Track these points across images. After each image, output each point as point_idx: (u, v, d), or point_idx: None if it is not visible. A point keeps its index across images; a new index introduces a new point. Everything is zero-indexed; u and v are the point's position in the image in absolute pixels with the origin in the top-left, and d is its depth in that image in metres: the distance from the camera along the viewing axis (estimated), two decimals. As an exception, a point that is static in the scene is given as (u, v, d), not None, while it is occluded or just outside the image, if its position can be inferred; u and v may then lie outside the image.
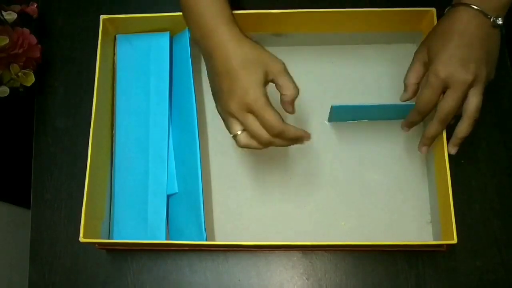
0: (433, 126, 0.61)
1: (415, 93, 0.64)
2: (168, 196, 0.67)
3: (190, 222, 0.64)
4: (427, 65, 0.61)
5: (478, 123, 0.70)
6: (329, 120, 0.70)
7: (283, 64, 0.58)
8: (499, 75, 0.72)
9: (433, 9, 0.66)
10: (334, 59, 0.73)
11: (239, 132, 0.57)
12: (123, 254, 0.67)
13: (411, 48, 0.72)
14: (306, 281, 0.66)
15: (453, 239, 0.58)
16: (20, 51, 0.69)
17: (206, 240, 0.62)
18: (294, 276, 0.66)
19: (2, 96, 0.69)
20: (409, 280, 0.65)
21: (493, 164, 0.68)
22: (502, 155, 0.69)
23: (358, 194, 0.68)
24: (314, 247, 0.65)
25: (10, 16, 0.70)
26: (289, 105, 0.59)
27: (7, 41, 0.67)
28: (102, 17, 0.68)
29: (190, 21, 0.60)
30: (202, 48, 0.59)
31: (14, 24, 0.70)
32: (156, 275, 0.67)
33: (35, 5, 0.75)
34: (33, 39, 0.71)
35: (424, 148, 0.64)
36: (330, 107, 0.67)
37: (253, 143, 0.57)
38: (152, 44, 0.70)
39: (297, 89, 0.58)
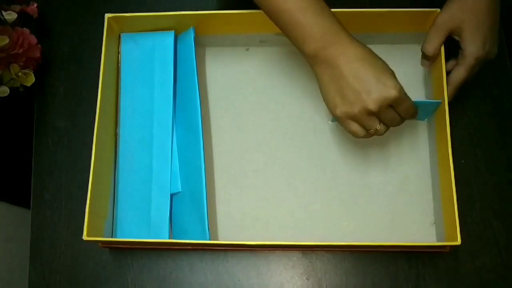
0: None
1: (435, 59, 0.66)
2: (172, 195, 0.67)
3: (194, 221, 0.64)
4: (451, 35, 0.63)
5: (478, 123, 0.70)
6: (333, 120, 0.70)
7: None
8: (499, 75, 0.72)
9: (438, 10, 0.65)
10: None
11: (378, 127, 0.58)
12: (124, 254, 0.67)
13: (416, 49, 0.72)
14: (306, 281, 0.66)
15: (457, 240, 0.58)
16: (20, 51, 0.69)
17: (210, 240, 0.62)
18: (294, 276, 0.66)
19: (2, 96, 0.69)
20: (409, 280, 0.65)
21: (493, 164, 0.68)
22: (502, 155, 0.69)
23: (361, 195, 0.68)
24: (314, 247, 0.65)
25: (10, 16, 0.70)
26: None
27: (7, 41, 0.67)
28: (107, 15, 0.68)
29: (299, 36, 0.57)
30: (320, 59, 0.57)
31: (14, 24, 0.70)
32: (156, 275, 0.67)
33: (35, 5, 0.75)
34: (33, 39, 0.71)
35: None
36: None
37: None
38: (156, 43, 0.71)
39: None
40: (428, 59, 0.66)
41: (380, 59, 0.57)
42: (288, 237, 0.66)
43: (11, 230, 0.88)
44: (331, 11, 0.57)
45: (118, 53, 0.72)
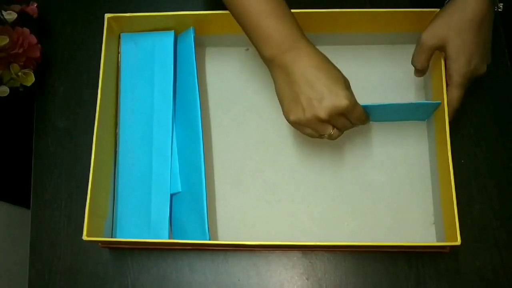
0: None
1: (425, 71, 0.67)
2: (172, 195, 0.67)
3: (194, 222, 0.64)
4: (438, 50, 0.64)
5: (478, 123, 0.70)
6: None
7: None
8: (499, 75, 0.72)
9: (438, 10, 0.66)
10: (338, 59, 0.72)
11: (332, 132, 0.59)
12: (123, 254, 0.67)
13: (415, 49, 0.72)
14: (306, 281, 0.66)
15: (457, 240, 0.58)
16: (20, 51, 0.69)
17: (209, 240, 0.62)
18: (294, 276, 0.66)
19: (2, 96, 0.69)
20: (409, 280, 0.65)
21: (493, 164, 0.68)
22: (502, 155, 0.69)
23: (362, 195, 0.68)
24: (314, 247, 0.65)
25: (10, 16, 0.70)
26: None
27: (7, 41, 0.67)
28: (107, 15, 0.68)
29: (260, 39, 0.59)
30: (276, 64, 0.58)
31: (14, 24, 0.70)
32: (156, 275, 0.67)
33: (35, 5, 0.75)
34: (33, 39, 0.71)
35: None
36: None
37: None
38: (156, 43, 0.71)
39: None
40: (418, 71, 0.67)
41: (335, 68, 0.58)
42: (288, 237, 0.66)
43: (11, 230, 0.88)
44: (293, 16, 0.59)
45: (118, 53, 0.72)
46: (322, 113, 0.56)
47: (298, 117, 0.58)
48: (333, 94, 0.56)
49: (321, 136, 0.60)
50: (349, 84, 0.59)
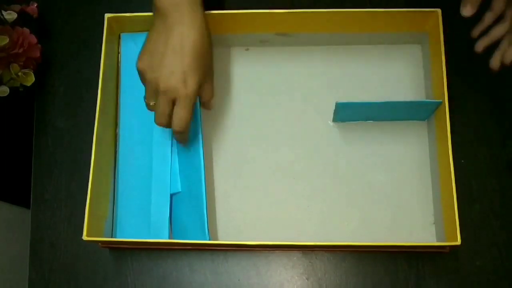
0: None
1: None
2: (171, 195, 0.67)
3: (193, 222, 0.64)
4: None
5: (478, 123, 0.70)
6: (334, 119, 0.70)
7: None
8: (499, 75, 0.72)
9: (438, 10, 0.65)
10: (338, 59, 0.73)
11: (151, 104, 0.59)
12: (123, 254, 0.67)
13: (416, 49, 0.72)
14: (306, 281, 0.66)
15: (457, 240, 0.58)
16: (20, 50, 0.69)
17: (209, 240, 0.62)
18: (294, 276, 0.66)
19: (2, 95, 0.69)
20: (409, 280, 0.65)
21: (493, 164, 0.68)
22: (502, 155, 0.69)
23: (362, 195, 0.68)
24: (314, 247, 0.65)
25: (10, 15, 0.70)
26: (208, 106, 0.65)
27: (7, 40, 0.67)
28: (107, 15, 0.68)
29: None
30: (160, 14, 0.57)
31: (14, 23, 0.70)
32: (156, 274, 0.67)
33: (35, 5, 0.75)
34: (33, 39, 0.71)
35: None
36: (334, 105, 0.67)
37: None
38: None
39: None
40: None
41: (208, 56, 0.58)
42: (288, 237, 0.66)
43: (11, 230, 0.88)
44: None
45: (118, 53, 0.72)
46: (161, 84, 0.56)
47: (143, 68, 0.57)
48: (182, 77, 0.55)
49: (144, 99, 0.59)
50: (210, 79, 0.58)
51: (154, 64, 0.57)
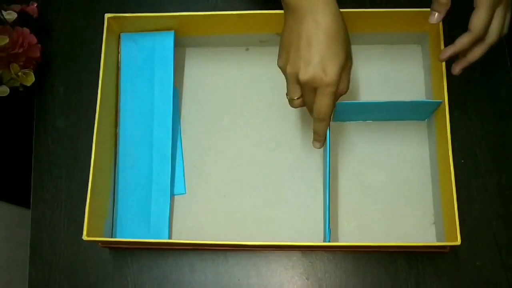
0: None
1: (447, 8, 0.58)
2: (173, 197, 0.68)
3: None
4: None
5: (478, 122, 0.70)
6: (334, 119, 0.70)
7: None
8: (499, 75, 0.72)
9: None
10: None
11: (295, 98, 0.57)
12: (124, 254, 0.67)
13: (416, 49, 0.72)
14: (306, 281, 0.66)
15: (457, 240, 0.58)
16: (20, 50, 0.69)
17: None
18: (294, 276, 0.66)
19: (2, 95, 0.69)
20: (409, 280, 0.65)
21: (493, 164, 0.68)
22: (502, 155, 0.69)
23: (362, 195, 0.68)
24: (314, 247, 0.65)
25: (10, 15, 0.70)
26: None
27: (7, 40, 0.67)
28: (107, 15, 0.68)
29: None
30: (291, 7, 0.55)
31: (14, 23, 0.70)
32: (156, 274, 0.67)
33: (35, 5, 0.75)
34: (33, 39, 0.71)
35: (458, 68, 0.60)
36: None
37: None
38: (156, 43, 0.71)
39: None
40: (439, 6, 0.57)
41: (345, 41, 0.55)
42: (288, 237, 0.66)
43: (11, 230, 0.88)
44: None
45: (118, 53, 0.72)
46: (300, 76, 0.54)
47: (283, 65, 0.56)
48: (321, 65, 0.53)
49: (288, 95, 0.58)
50: (348, 67, 0.56)
51: (291, 58, 0.55)
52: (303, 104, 0.58)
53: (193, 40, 0.73)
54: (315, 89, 0.55)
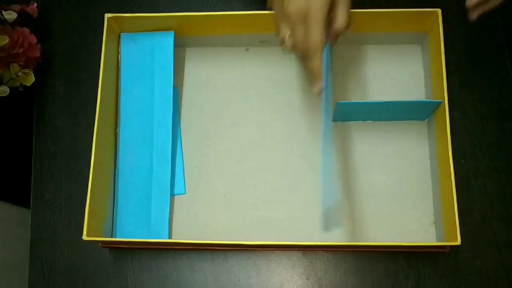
0: None
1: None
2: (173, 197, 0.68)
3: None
4: None
5: (478, 122, 0.70)
6: (334, 119, 0.70)
7: None
8: (499, 75, 0.72)
9: (438, 10, 0.65)
10: (338, 59, 0.73)
11: (286, 37, 0.57)
12: (124, 254, 0.67)
13: (416, 49, 0.72)
14: (306, 281, 0.66)
15: (457, 240, 0.58)
16: (20, 50, 0.69)
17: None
18: (294, 276, 0.66)
19: (2, 95, 0.69)
20: (409, 280, 0.65)
21: (493, 164, 0.68)
22: (502, 155, 0.69)
23: (362, 195, 0.68)
24: (314, 247, 0.65)
25: (10, 15, 0.70)
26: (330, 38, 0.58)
27: (7, 40, 0.67)
28: (107, 15, 0.68)
29: None
30: None
31: (14, 23, 0.70)
32: (156, 274, 0.67)
33: (35, 5, 0.75)
34: (33, 39, 0.71)
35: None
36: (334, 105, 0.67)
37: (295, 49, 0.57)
38: (156, 43, 0.71)
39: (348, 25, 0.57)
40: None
41: None
42: (288, 237, 0.66)
43: (11, 230, 0.88)
44: None
45: (118, 53, 0.72)
46: (289, 8, 0.54)
47: (270, 4, 0.57)
48: None
49: (278, 36, 0.57)
50: (341, 4, 0.55)
51: None
52: (292, 42, 0.57)
53: (193, 40, 0.73)
54: (304, 22, 0.54)
